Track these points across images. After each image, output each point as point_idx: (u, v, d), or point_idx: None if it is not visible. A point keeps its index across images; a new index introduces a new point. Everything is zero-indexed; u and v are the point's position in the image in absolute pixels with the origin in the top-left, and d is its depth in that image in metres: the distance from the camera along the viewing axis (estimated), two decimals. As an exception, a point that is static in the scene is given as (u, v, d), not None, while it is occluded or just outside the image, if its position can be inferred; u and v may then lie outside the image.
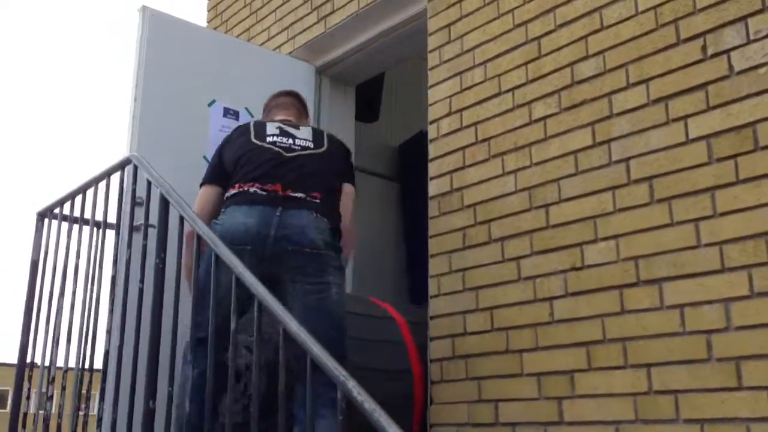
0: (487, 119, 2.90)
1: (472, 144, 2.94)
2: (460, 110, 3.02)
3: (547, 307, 2.53)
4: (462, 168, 2.95)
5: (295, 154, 2.81)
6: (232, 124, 3.54)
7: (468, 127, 2.97)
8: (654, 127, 2.38)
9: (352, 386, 1.68)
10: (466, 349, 2.74)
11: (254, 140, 2.83)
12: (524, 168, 2.73)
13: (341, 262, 2.73)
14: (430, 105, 3.16)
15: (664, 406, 2.17)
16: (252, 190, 2.68)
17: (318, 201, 2.70)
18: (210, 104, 3.42)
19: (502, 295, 2.67)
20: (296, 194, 2.67)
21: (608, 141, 2.49)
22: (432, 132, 3.13)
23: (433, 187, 3.05)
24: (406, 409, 2.86)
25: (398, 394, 2.86)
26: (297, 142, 2.86)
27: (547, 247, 2.58)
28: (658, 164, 2.35)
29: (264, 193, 2.66)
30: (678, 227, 2.26)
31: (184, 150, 3.30)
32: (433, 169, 3.08)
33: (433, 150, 3.10)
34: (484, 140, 2.89)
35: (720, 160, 2.21)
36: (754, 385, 2.01)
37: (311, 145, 2.87)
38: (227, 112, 3.55)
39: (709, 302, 2.14)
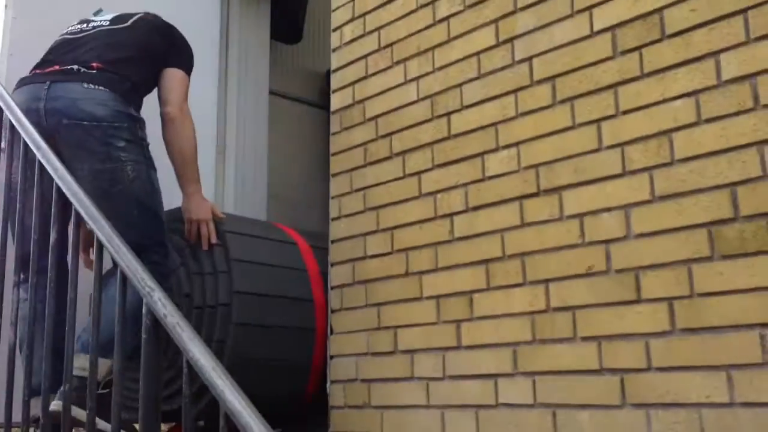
0: (391, 23, 2.64)
1: (375, 51, 2.68)
2: (363, 14, 2.74)
3: (448, 224, 2.31)
4: (364, 78, 2.69)
5: (82, 35, 2.61)
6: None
7: (371, 32, 2.70)
8: (558, 20, 2.14)
9: (158, 298, 1.45)
10: (367, 273, 2.53)
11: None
12: (427, 74, 2.48)
13: (140, 134, 2.41)
14: (333, 11, 2.88)
15: (561, 324, 1.98)
16: (28, 75, 2.50)
17: (94, 71, 2.42)
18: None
19: (403, 214, 2.45)
20: (67, 67, 2.44)
21: (512, 39, 2.25)
22: (335, 40, 2.86)
23: (335, 101, 2.80)
24: (308, 339, 2.66)
25: (300, 324, 2.66)
26: (90, 25, 2.66)
27: (449, 159, 2.35)
28: (562, 62, 2.11)
29: (36, 73, 2.48)
30: (580, 130, 2.04)
31: None
32: (335, 81, 2.82)
33: (335, 60, 2.84)
34: (387, 46, 2.63)
35: (624, 53, 1.98)
36: (653, 297, 1.81)
37: (105, 24, 2.65)
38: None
39: (609, 209, 1.93)
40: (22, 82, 2.48)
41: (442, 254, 2.31)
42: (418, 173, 2.43)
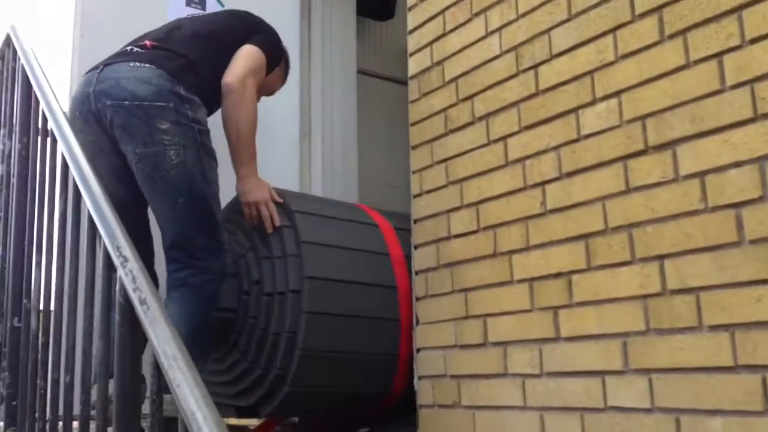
0: (468, -30, 2.31)
1: (452, 4, 2.35)
2: (439, -35, 2.43)
3: (539, 194, 1.97)
4: (442, 35, 2.38)
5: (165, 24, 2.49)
6: (198, 15, 3.08)
7: (447, -16, 2.38)
8: (663, -63, 1.74)
9: (131, 269, 1.21)
10: (451, 255, 2.22)
11: None
12: (510, 23, 2.13)
13: (191, 115, 2.16)
14: (406, -35, 2.58)
15: (682, 310, 1.60)
16: None
17: (145, 50, 2.24)
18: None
19: (488, 186, 2.13)
20: (123, 49, 2.29)
21: (607, -31, 1.87)
22: (410, -2, 2.56)
23: (413, 65, 2.50)
24: (392, 330, 2.39)
25: (382, 313, 2.39)
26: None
27: (538, 118, 2.00)
28: (670, -13, 1.72)
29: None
30: (696, 68, 1.64)
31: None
32: (412, 43, 2.52)
33: (411, 20, 2.54)
34: (465, -4, 2.31)
35: (750, -36, 1.56)
36: (800, 272, 1.41)
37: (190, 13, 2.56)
38: (191, 0, 3.07)
39: (738, 164, 1.54)
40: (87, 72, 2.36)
41: (533, 230, 1.97)
42: (504, 138, 2.10)
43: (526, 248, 1.98)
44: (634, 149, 1.74)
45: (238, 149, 2.30)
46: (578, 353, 1.80)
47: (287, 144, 3.17)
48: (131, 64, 2.18)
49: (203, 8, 3.08)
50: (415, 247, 2.38)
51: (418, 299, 2.34)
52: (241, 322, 2.32)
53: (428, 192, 2.35)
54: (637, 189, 1.73)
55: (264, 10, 3.22)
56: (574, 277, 1.84)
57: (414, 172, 2.43)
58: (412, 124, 2.46)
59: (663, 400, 1.61)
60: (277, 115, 3.14)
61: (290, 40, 3.19)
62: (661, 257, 1.65)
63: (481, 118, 2.18)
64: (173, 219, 2.15)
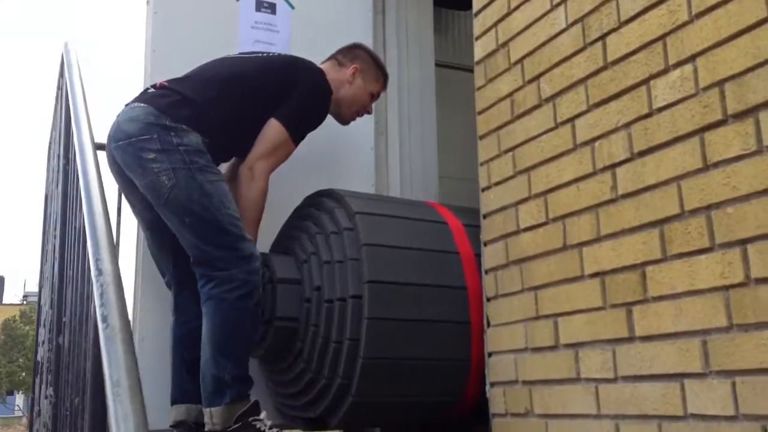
0: (532, -58, 2.13)
1: (517, -19, 2.19)
2: (502, -59, 2.26)
3: (609, 178, 1.77)
4: (507, 14, 2.21)
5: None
6: (269, 20, 3.05)
7: (512, -40, 2.22)
8: None
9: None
10: (521, 251, 2.05)
11: None
12: (575, -6, 1.95)
13: (176, 141, 2.17)
14: (470, -55, 2.44)
15: (769, 303, 1.37)
16: None
17: (154, 91, 2.30)
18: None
19: (556, 173, 1.94)
20: (147, 88, 2.36)
21: None
22: (474, -21, 2.41)
23: (479, 49, 2.34)
24: (462, 334, 2.24)
25: (451, 317, 2.24)
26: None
27: (606, 94, 1.80)
28: (749, -69, 1.49)
29: None
30: (780, 19, 1.41)
31: (208, 53, 2.81)
32: (477, 26, 2.36)
33: (476, 1, 2.38)
34: (529, -29, 2.13)
35: None
36: None
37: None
38: (261, 4, 3.05)
39: (830, 126, 1.29)
40: None
41: (604, 218, 1.77)
42: (572, 119, 1.91)
43: (597, 239, 1.78)
44: (712, 119, 1.52)
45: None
46: (654, 354, 1.59)
47: (363, 143, 3.07)
48: (131, 105, 2.27)
49: (273, 12, 3.05)
50: (485, 244, 2.22)
51: (488, 300, 2.18)
52: (303, 330, 2.23)
53: (496, 184, 2.19)
54: (716, 165, 1.50)
55: (335, 5, 3.19)
56: (649, 269, 1.63)
57: (482, 164, 2.27)
58: (479, 113, 2.30)
59: (748, 406, 1.37)
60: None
61: (363, 35, 3.12)
62: (743, 242, 1.42)
63: (547, 100, 2.00)
64: (187, 238, 2.17)
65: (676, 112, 1.61)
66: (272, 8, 3.06)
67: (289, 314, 2.24)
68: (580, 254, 1.83)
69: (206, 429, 2.09)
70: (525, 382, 1.98)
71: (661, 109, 1.65)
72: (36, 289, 2.44)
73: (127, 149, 2.19)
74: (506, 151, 2.15)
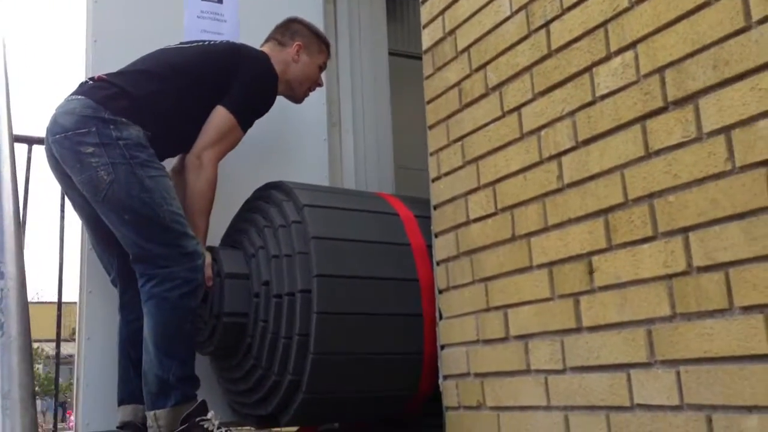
0: (476, -72, 2.10)
1: (462, -32, 2.15)
2: (447, -73, 2.23)
3: (555, 167, 1.75)
4: (454, 2, 2.18)
5: None
6: (215, 9, 2.98)
7: (456, -54, 2.18)
8: None
9: None
10: (471, 242, 2.02)
11: None
12: (519, -20, 1.92)
13: (115, 134, 2.11)
14: (416, -68, 2.39)
15: (711, 291, 1.36)
16: None
17: (92, 83, 2.24)
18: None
19: (504, 163, 1.92)
20: (85, 81, 2.31)
21: None
22: (420, -34, 2.37)
23: (426, 38, 2.31)
24: (414, 327, 2.22)
25: (402, 309, 2.22)
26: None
27: (551, 82, 1.78)
28: None
29: None
30: (718, 4, 1.39)
31: (153, 43, 2.71)
32: (424, 13, 2.33)
33: (423, -11, 2.35)
34: (474, -42, 2.10)
35: None
36: None
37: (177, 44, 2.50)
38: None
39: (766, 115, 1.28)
40: None
41: (551, 208, 1.75)
42: (518, 108, 1.88)
43: (545, 229, 1.77)
44: (653, 106, 1.50)
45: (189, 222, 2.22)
46: (601, 344, 1.58)
47: (315, 134, 3.02)
48: (69, 97, 2.20)
49: (219, 1, 2.98)
50: (436, 236, 2.19)
51: (440, 292, 2.15)
52: (252, 326, 2.19)
53: (446, 174, 2.16)
54: (658, 153, 1.49)
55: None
56: (595, 258, 1.62)
57: (431, 154, 2.24)
58: (428, 102, 2.27)
59: (693, 395, 1.37)
60: (303, 105, 3.01)
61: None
62: (685, 230, 1.41)
63: (494, 89, 1.98)
64: (126, 235, 2.12)
65: (618, 99, 1.59)
66: (219, -2, 2.99)
67: (238, 309, 2.19)
68: (528, 244, 1.81)
69: None
70: (477, 375, 1.96)
71: (603, 97, 1.63)
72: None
73: (64, 143, 2.12)
74: (455, 141, 2.13)
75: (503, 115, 1.94)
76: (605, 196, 1.60)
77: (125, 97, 2.19)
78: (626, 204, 1.55)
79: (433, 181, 2.22)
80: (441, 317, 2.14)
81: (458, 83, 2.13)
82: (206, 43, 2.50)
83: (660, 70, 1.49)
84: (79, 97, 2.18)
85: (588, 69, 1.67)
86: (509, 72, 1.92)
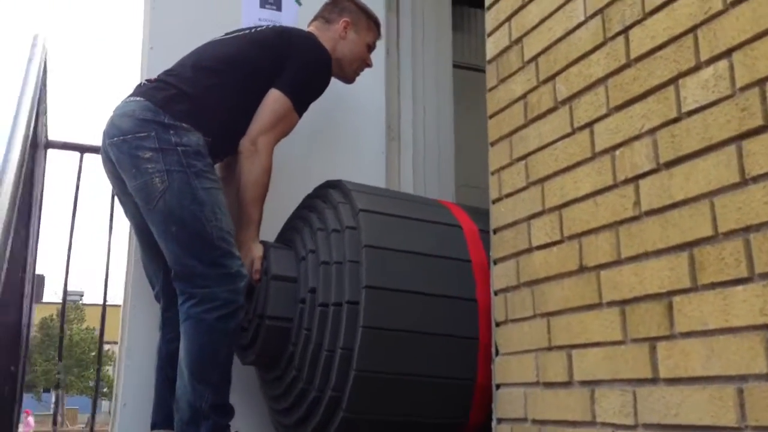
0: (548, -74, 1.91)
1: (532, -30, 1.96)
2: (516, -74, 2.04)
3: (631, 192, 1.54)
4: (522, 7, 1.99)
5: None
6: (274, 17, 2.87)
7: (527, -54, 2.00)
8: None
9: None
10: (533, 271, 1.82)
11: None
12: (596, -19, 1.72)
13: (175, 140, 2.04)
14: (483, -68, 2.22)
15: (821, 348, 1.12)
16: None
17: (149, 83, 2.18)
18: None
19: (572, 185, 1.71)
20: (141, 83, 2.25)
21: None
22: (486, -31, 2.19)
23: (491, 47, 2.12)
24: (468, 352, 2.02)
25: (455, 331, 2.03)
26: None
27: (629, 95, 1.57)
28: None
29: None
30: (835, 4, 1.17)
31: None
32: (489, 21, 2.15)
33: (488, -6, 2.17)
34: (545, -41, 1.91)
35: None
36: None
37: (222, 36, 2.39)
38: (266, 1, 2.86)
39: None
40: None
41: (625, 238, 1.54)
42: (590, 124, 1.68)
43: (617, 262, 1.55)
44: (751, 125, 1.28)
45: (240, 213, 2.17)
46: (681, 401, 1.35)
47: (372, 149, 2.87)
48: (126, 99, 2.14)
49: (278, 8, 2.87)
50: (495, 262, 2.00)
51: (498, 324, 1.95)
52: (296, 333, 2.04)
53: (507, 196, 1.97)
54: (756, 180, 1.26)
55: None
56: (676, 299, 1.39)
57: (492, 173, 2.05)
58: (490, 116, 2.08)
59: (795, 476, 1.13)
60: (360, 117, 2.86)
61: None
62: (790, 272, 1.18)
63: (563, 102, 1.78)
64: (171, 249, 2.02)
65: (708, 116, 1.37)
66: (277, 4, 2.88)
67: (281, 314, 2.08)
68: (597, 278, 1.60)
69: None
70: (535, 422, 1.75)
71: (691, 113, 1.41)
72: (77, 288, 2.36)
73: (122, 146, 2.05)
74: (518, 159, 1.93)
75: (573, 132, 1.73)
76: (690, 227, 1.38)
77: (185, 99, 2.11)
78: (716, 238, 1.32)
79: (493, 202, 2.03)
80: (498, 353, 1.94)
81: (524, 96, 1.93)
82: (251, 30, 2.39)
83: (760, 82, 1.27)
84: (138, 98, 2.12)
85: (673, 81, 1.46)
86: (581, 84, 1.72)
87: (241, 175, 2.18)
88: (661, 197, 1.45)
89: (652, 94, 1.51)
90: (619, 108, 1.59)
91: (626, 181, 1.55)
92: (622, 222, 1.55)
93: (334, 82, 2.47)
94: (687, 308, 1.36)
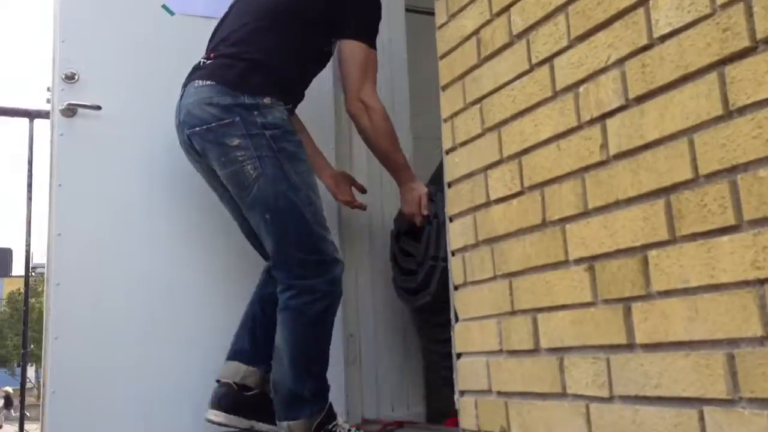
0: None
1: None
2: None
3: (598, 133, 1.35)
4: (470, -67, 1.76)
5: (229, 10, 2.25)
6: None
7: None
8: None
9: None
10: (492, 227, 1.63)
11: None
12: None
13: (261, 121, 1.98)
14: None
15: (825, 306, 0.95)
16: None
17: (209, 62, 2.09)
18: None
19: (532, 129, 1.52)
20: (197, 63, 2.14)
21: None
22: None
23: (438, -21, 1.90)
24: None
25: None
26: None
27: (593, 22, 1.37)
28: None
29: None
30: None
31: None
32: (436, -50, 1.92)
33: None
34: None
35: None
36: None
37: None
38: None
39: None
40: None
41: (593, 186, 1.35)
42: (550, 58, 1.48)
43: (584, 213, 1.37)
44: (736, 47, 1.09)
45: (386, 165, 2.27)
46: (662, 370, 1.18)
47: (322, 101, 2.65)
48: (196, 84, 2.05)
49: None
50: (450, 219, 1.81)
51: (456, 288, 1.77)
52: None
53: (462, 144, 1.77)
54: (742, 111, 1.07)
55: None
56: (652, 253, 1.21)
57: (445, 120, 1.85)
58: (441, 57, 1.87)
59: (798, 456, 0.97)
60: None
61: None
62: (784, 219, 1.00)
63: (519, 36, 1.57)
64: (268, 236, 1.99)
65: (684, 40, 1.17)
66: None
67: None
68: (563, 233, 1.42)
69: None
70: (500, 393, 1.58)
71: (664, 38, 1.21)
72: (43, 261, 2.25)
73: (207, 136, 2.00)
74: (472, 103, 1.73)
75: (531, 69, 1.53)
76: (666, 171, 1.19)
77: (256, 69, 2.02)
78: (696, 181, 1.14)
79: (447, 152, 1.83)
80: (457, 319, 1.76)
81: (476, 32, 1.72)
82: None
83: (746, -6, 1.08)
84: (208, 82, 2.02)
85: (643, 2, 1.26)
86: (539, 14, 1.51)
87: (365, 133, 2.18)
88: (632, 138, 1.26)
89: (619, 19, 1.31)
90: (582, 38, 1.39)
91: (592, 121, 1.36)
92: (588, 168, 1.36)
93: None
94: (665, 263, 1.19)
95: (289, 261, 1.96)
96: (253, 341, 2.08)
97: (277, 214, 1.94)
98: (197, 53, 2.24)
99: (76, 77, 2.36)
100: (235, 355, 2.10)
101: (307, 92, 2.29)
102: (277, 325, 1.98)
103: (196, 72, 2.09)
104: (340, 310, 2.10)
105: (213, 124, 1.97)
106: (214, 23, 2.29)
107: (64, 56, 2.37)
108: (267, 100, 1.99)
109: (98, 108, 2.35)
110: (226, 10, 2.27)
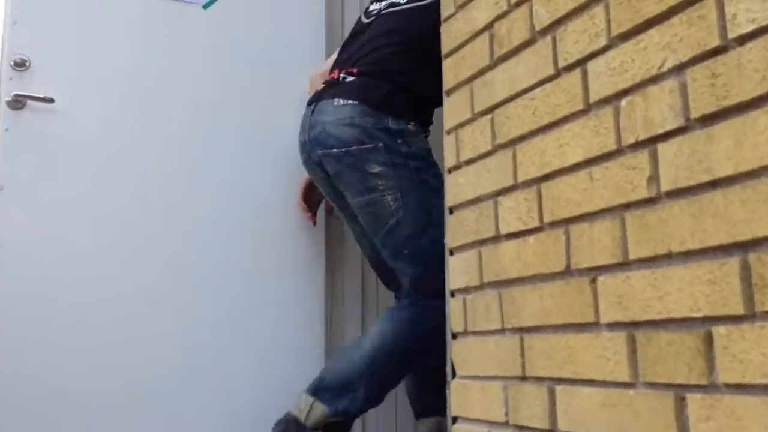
0: None
1: None
2: None
3: (646, 161, 1.03)
4: None
5: (367, 21, 2.12)
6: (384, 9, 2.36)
7: None
8: None
9: None
10: (500, 268, 1.32)
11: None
12: None
13: (405, 150, 1.89)
14: None
15: None
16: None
17: (352, 79, 1.98)
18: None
19: (557, 149, 1.20)
20: (334, 77, 2.03)
21: None
22: None
23: (445, -39, 1.58)
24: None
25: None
26: (379, 5, 2.11)
27: (643, 16, 1.06)
28: None
29: (316, 90, 2.09)
30: None
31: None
32: (444, -73, 1.60)
33: None
34: None
35: None
36: None
37: (386, 4, 2.10)
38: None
39: None
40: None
41: (636, 230, 1.03)
42: (583, 61, 1.16)
43: (624, 264, 1.05)
44: None
45: None
46: (729, 492, 0.87)
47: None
48: (335, 102, 1.94)
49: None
50: (451, 252, 1.49)
51: (455, 336, 1.46)
52: None
53: (468, 163, 1.46)
54: None
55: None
56: (720, 330, 0.90)
57: (448, 132, 1.53)
58: (446, 56, 1.56)
59: None
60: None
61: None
62: None
63: (544, 32, 1.25)
64: (404, 269, 1.92)
65: (762, 43, 0.86)
66: None
67: None
68: (593, 287, 1.10)
69: (294, 414, 1.86)
70: (505, 477, 1.27)
71: (744, 39, 0.90)
72: None
73: (344, 159, 1.90)
74: (482, 113, 1.42)
75: (558, 74, 1.22)
76: (744, 219, 0.88)
77: (402, 92, 1.93)
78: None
79: (449, 171, 1.52)
80: (454, 374, 1.45)
81: (489, 26, 1.41)
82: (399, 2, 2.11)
83: None
84: (350, 102, 1.93)
85: (713, -11, 0.94)
86: (570, 4, 1.20)
87: None
88: (694, 171, 0.95)
89: (679, 12, 0.99)
90: (626, 36, 1.08)
91: (637, 146, 1.04)
92: (630, 206, 1.05)
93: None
94: (737, 347, 0.87)
95: (424, 291, 1.88)
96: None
97: (415, 250, 1.88)
98: (163, 42, 1.93)
99: (27, 64, 2.07)
100: (426, 410, 2.05)
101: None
102: (376, 329, 1.93)
103: (335, 87, 1.99)
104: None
105: (353, 148, 1.88)
106: (185, 8, 1.99)
107: (14, 40, 2.08)
108: (411, 126, 1.93)
109: (51, 101, 2.06)
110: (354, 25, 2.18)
